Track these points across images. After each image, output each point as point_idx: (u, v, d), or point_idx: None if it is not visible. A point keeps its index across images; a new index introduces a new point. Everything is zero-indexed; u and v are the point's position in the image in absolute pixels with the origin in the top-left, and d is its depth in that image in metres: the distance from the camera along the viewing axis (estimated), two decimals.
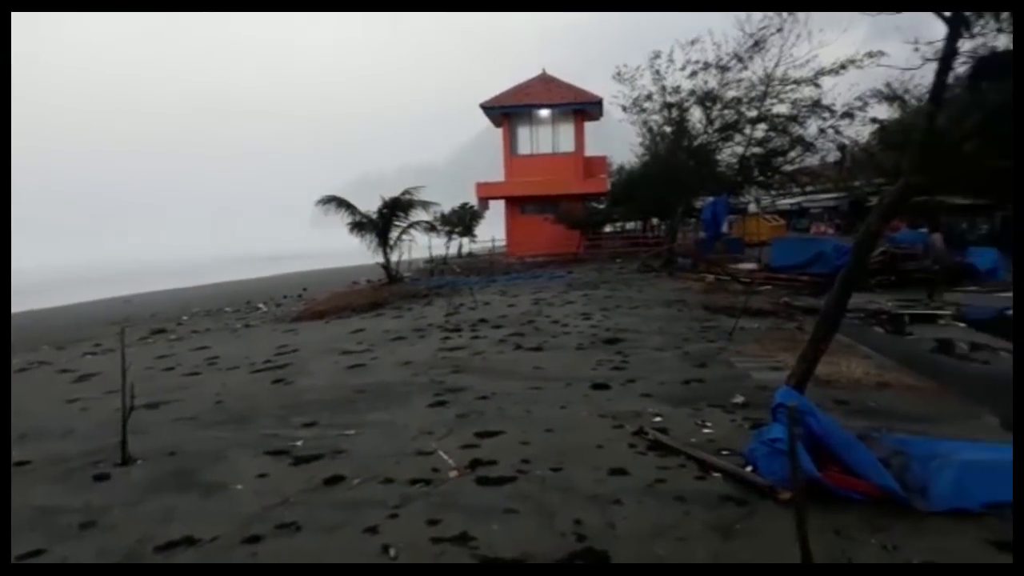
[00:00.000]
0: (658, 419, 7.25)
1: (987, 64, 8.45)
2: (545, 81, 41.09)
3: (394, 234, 26.88)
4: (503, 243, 43.08)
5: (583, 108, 39.66)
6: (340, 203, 26.71)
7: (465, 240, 47.93)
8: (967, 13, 6.16)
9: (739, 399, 7.84)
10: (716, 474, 5.56)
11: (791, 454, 3.60)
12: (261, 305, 25.42)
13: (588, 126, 40.99)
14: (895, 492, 4.79)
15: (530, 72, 41.68)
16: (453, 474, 5.88)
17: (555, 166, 39.49)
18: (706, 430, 6.82)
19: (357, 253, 28.86)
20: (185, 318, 22.64)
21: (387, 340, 13.49)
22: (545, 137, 40.79)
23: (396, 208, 26.75)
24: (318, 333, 15.53)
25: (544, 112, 40.21)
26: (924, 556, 4.15)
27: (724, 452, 6.09)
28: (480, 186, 40.96)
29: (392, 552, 4.52)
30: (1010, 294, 16.54)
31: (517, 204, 40.20)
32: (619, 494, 5.25)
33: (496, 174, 40.91)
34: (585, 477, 5.64)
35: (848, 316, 12.47)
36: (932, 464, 5.03)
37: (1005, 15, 6.76)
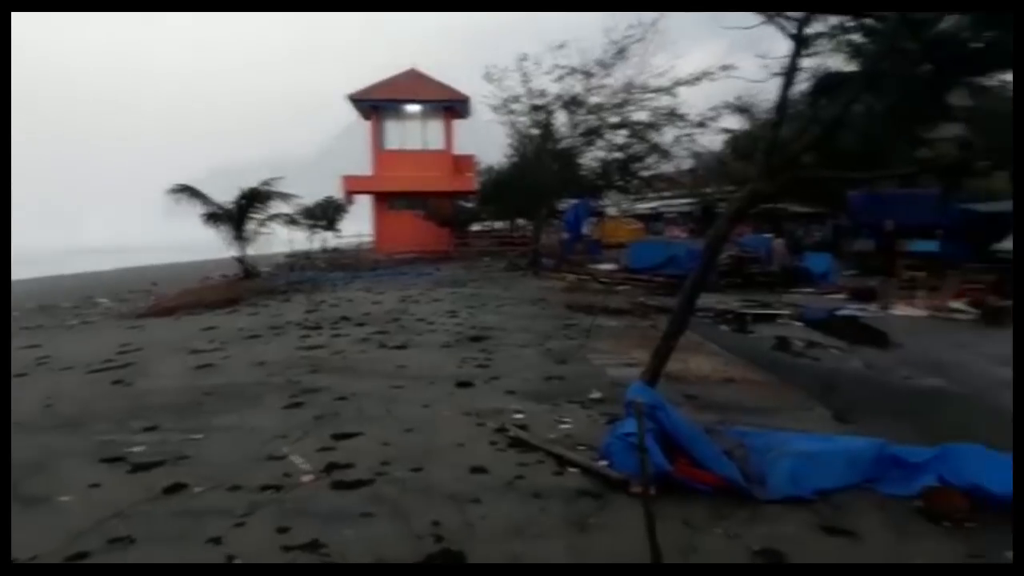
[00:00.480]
0: (520, 416, 7.31)
1: (824, 82, 9.13)
2: (415, 77, 40.69)
3: (251, 227, 25.70)
4: (370, 238, 42.28)
5: (452, 106, 39.64)
6: (193, 193, 25.22)
7: (329, 235, 46.64)
8: (808, 32, 6.61)
9: (596, 395, 8.05)
10: (573, 469, 5.66)
11: (640, 448, 3.70)
12: (103, 300, 23.54)
13: (457, 124, 41.02)
14: (737, 482, 5.06)
15: (399, 69, 41.07)
16: (307, 479, 5.64)
17: (424, 162, 39.21)
18: (565, 426, 6.95)
19: (212, 246, 27.36)
20: (16, 314, 20.58)
21: (241, 338, 12.84)
22: (414, 133, 40.41)
23: (253, 199, 25.62)
24: (166, 331, 14.55)
25: (413, 108, 39.84)
26: (762, 542, 4.40)
27: (581, 447, 6.21)
28: (346, 179, 39.96)
29: (237, 563, 4.26)
30: (842, 296, 18.08)
31: (385, 199, 39.58)
32: (479, 493, 5.22)
33: (365, 168, 40.08)
34: (445, 477, 5.58)
35: (698, 315, 13.15)
36: (769, 455, 5.36)
37: (844, 38, 7.34)
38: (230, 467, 5.92)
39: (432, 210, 37.48)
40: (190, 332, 13.93)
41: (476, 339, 12.01)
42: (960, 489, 4.86)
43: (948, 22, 6.58)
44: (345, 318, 14.92)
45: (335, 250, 44.78)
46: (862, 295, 17.70)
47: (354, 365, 10.15)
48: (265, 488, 5.43)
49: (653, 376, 5.98)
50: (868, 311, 15.78)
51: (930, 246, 23.08)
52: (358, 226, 45.55)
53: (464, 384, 8.79)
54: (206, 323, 15.25)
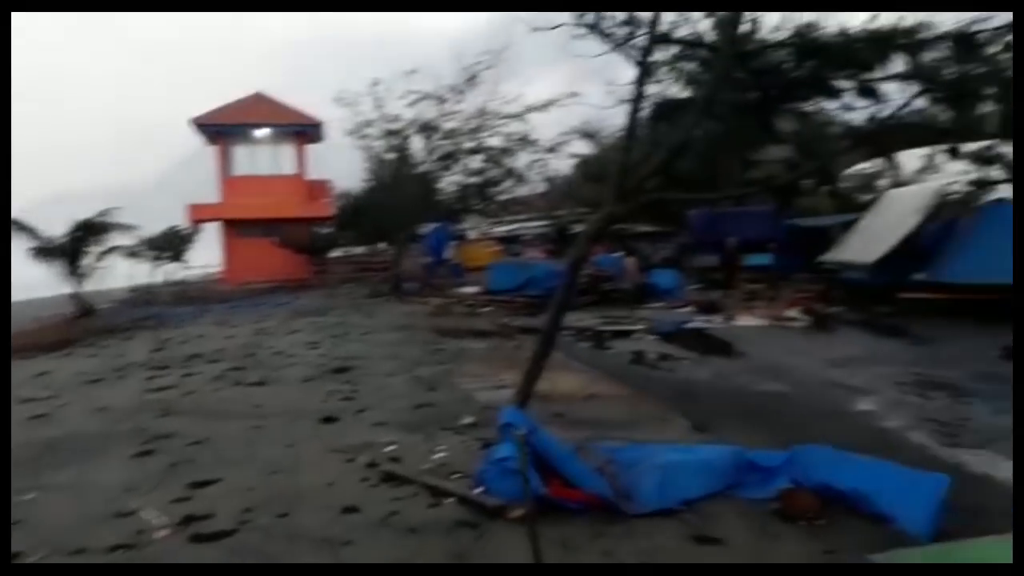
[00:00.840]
0: (391, 448, 7.15)
1: (664, 108, 9.68)
2: (262, 101, 39.32)
3: (87, 261, 23.76)
4: (221, 269, 40.19)
5: (304, 130, 38.63)
6: (19, 227, 23.00)
7: (176, 267, 43.89)
8: (651, 60, 7.00)
9: (468, 420, 8.03)
10: (449, 499, 5.59)
11: (523, 474, 3.71)
12: None
13: (311, 149, 40.00)
14: (609, 499, 5.19)
15: (246, 92, 39.54)
16: (161, 534, 5.22)
17: (276, 188, 37.86)
18: (438, 454, 6.87)
19: (43, 284, 25.01)
20: None
21: (79, 383, 11.78)
22: (264, 158, 38.98)
23: (89, 232, 23.71)
24: None
25: (262, 132, 38.44)
26: (636, 556, 4.53)
27: (456, 475, 6.16)
28: (192, 207, 37.85)
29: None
30: (689, 309, 19.11)
31: (235, 227, 37.80)
32: (351, 534, 5.04)
33: (213, 195, 38.12)
34: (315, 520, 5.34)
35: (560, 334, 13.47)
36: (637, 468, 5.55)
37: (690, 66, 7.82)
38: (72, 529, 5.38)
39: (287, 237, 36.21)
40: (19, 379, 12.60)
41: (340, 370, 11.68)
42: (810, 489, 5.23)
43: (773, 54, 7.20)
44: (196, 355, 14.06)
45: (182, 283, 42.15)
46: (707, 308, 18.78)
47: (208, 406, 9.57)
48: (114, 548, 4.98)
49: (523, 399, 6.05)
50: (713, 323, 16.77)
51: (764, 260, 24.92)
52: (208, 256, 43.21)
53: (330, 419, 8.50)
54: (38, 368, 13.87)
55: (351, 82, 37.99)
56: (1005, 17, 5.84)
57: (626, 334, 15.37)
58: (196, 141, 39.57)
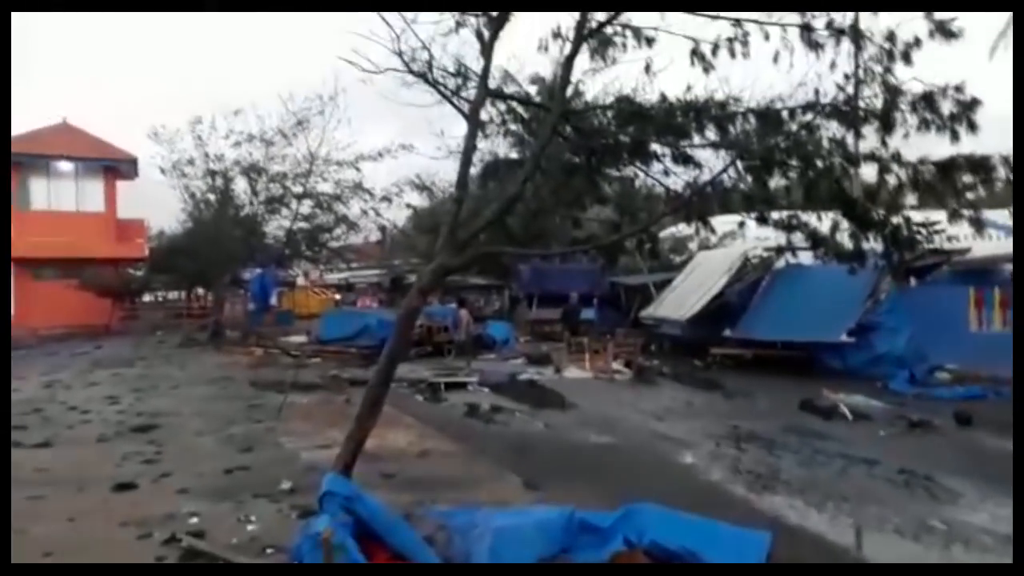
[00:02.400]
0: (195, 520, 6.38)
1: (492, 167, 9.78)
2: (66, 131, 35.86)
3: None
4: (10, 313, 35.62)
5: (114, 165, 35.61)
6: None
7: None
8: (480, 116, 6.98)
9: (286, 485, 7.37)
10: None
11: (327, 555, 3.31)
12: None
13: (122, 186, 36.87)
14: None
15: (49, 121, 35.95)
16: None
17: (80, 226, 34.39)
18: (251, 526, 6.21)
19: None
20: None
21: None
22: (67, 193, 35.38)
23: None
24: None
25: (66, 165, 34.98)
26: None
27: (269, 550, 5.57)
28: None
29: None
30: (520, 360, 19.28)
31: (29, 267, 33.79)
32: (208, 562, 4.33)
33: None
34: None
35: (392, 386, 13.02)
36: (472, 534, 5.26)
37: (509, 127, 7.89)
38: None
39: (90, 279, 32.86)
40: None
41: (142, 429, 10.49)
42: (643, 550, 5.18)
43: (598, 117, 7.45)
44: None
45: None
46: (538, 360, 19.08)
47: None
48: None
49: (348, 463, 5.60)
50: (544, 374, 17.02)
51: (589, 314, 25.90)
52: None
53: (125, 486, 7.51)
54: None
55: (169, 118, 35.75)
56: (803, 97, 6.38)
57: (460, 386, 15.17)
58: None
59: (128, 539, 5.96)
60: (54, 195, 35.06)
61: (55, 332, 30.45)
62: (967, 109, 6.20)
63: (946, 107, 6.20)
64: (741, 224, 6.78)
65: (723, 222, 8.83)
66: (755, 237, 22.33)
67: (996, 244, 26.59)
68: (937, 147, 6.39)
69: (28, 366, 19.51)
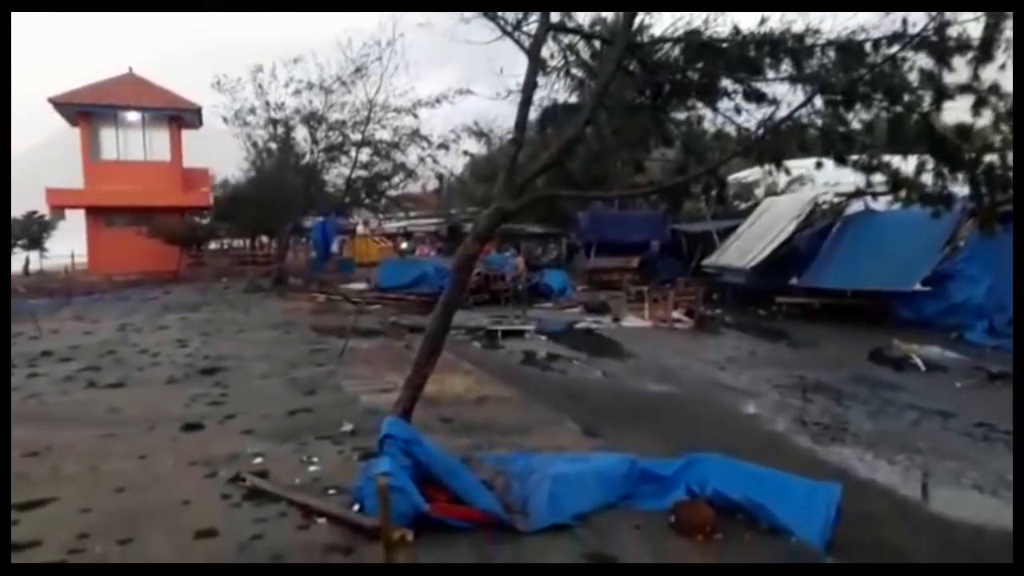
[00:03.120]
0: (259, 460, 6.49)
1: (551, 113, 9.47)
2: (134, 82, 36.54)
3: None
4: (84, 259, 37.07)
5: (179, 115, 36.20)
6: None
7: (34, 255, 40.15)
8: (544, 56, 6.69)
9: (348, 427, 7.45)
10: (321, 520, 5.05)
11: (383, 502, 3.26)
12: None
13: (187, 135, 37.54)
14: (499, 515, 4.81)
15: (116, 71, 36.62)
16: None
17: (148, 175, 35.26)
18: (313, 467, 6.28)
19: None
20: None
21: None
22: (135, 143, 36.21)
23: None
24: None
25: (133, 115, 35.72)
26: None
27: (331, 491, 5.61)
28: (52, 193, 34.63)
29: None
30: (578, 309, 19.11)
31: (101, 215, 34.93)
32: (204, 563, 4.42)
33: (77, 180, 35.05)
34: (162, 547, 4.67)
35: (451, 333, 13.05)
36: (530, 480, 5.20)
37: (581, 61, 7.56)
38: None
39: (159, 227, 33.82)
40: None
41: (209, 371, 10.76)
42: (706, 500, 5.05)
43: (668, 52, 7.05)
44: (46, 353, 12.64)
45: (40, 272, 38.59)
46: (596, 308, 18.88)
47: (52, 411, 8.50)
48: None
49: (408, 407, 5.58)
50: (602, 323, 16.83)
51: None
52: (72, 245, 39.77)
53: (192, 427, 7.70)
54: None
55: (231, 67, 36.02)
56: (890, 27, 5.87)
57: (517, 334, 15.13)
58: (60, 123, 36.39)
59: (196, 477, 6.11)
60: (122, 145, 35.95)
61: (127, 278, 31.59)
62: None
63: None
64: (818, 165, 6.36)
65: (796, 166, 8.35)
66: (824, 183, 21.51)
67: None
68: None
69: (102, 310, 20.30)
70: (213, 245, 40.90)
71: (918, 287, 14.88)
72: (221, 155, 35.98)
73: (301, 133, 26.67)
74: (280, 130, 26.54)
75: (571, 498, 5.06)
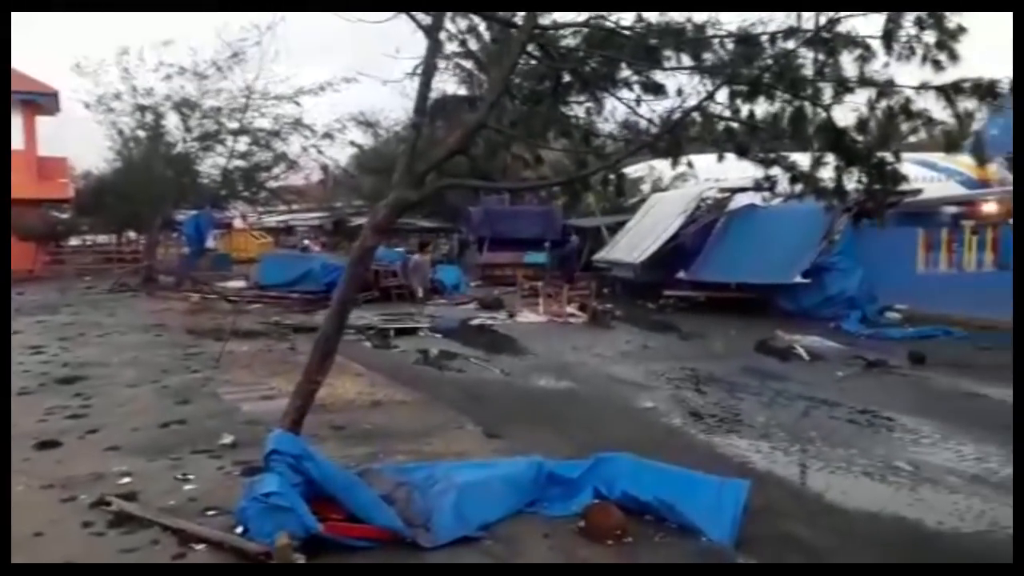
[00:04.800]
0: (126, 480, 5.82)
1: (441, 104, 9.11)
2: None
3: None
4: None
5: (33, 99, 33.20)
6: None
7: None
8: (442, 39, 6.34)
9: (227, 439, 6.83)
10: (200, 546, 4.52)
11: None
12: None
13: (42, 121, 34.50)
14: (399, 531, 4.45)
15: None
16: None
17: None
18: (189, 486, 5.69)
19: None
20: None
21: None
22: None
23: None
24: None
25: None
26: None
27: (210, 512, 5.07)
28: None
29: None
30: (472, 305, 18.85)
31: None
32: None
33: None
34: None
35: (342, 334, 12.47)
36: (433, 491, 4.87)
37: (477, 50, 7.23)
38: None
39: (12, 221, 30.91)
40: None
41: (68, 380, 9.73)
42: (615, 502, 4.88)
43: (569, 39, 6.86)
44: None
45: None
46: (490, 304, 18.69)
47: None
48: None
49: (296, 419, 5.10)
50: (497, 319, 16.65)
51: (541, 257, 25.58)
52: None
53: (48, 444, 6.84)
54: None
55: (94, 49, 33.41)
56: (784, 21, 5.91)
57: (410, 332, 14.69)
58: None
59: (51, 502, 5.39)
60: None
61: None
62: (952, 37, 5.84)
63: (929, 37, 5.84)
64: (720, 158, 6.35)
65: (695, 159, 8.39)
66: (705, 179, 22.23)
67: (942, 186, 27.15)
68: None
69: None
70: (75, 241, 37.93)
71: (798, 279, 15.58)
72: (82, 144, 33.31)
73: (172, 121, 25.11)
74: (149, 117, 24.88)
75: (476, 508, 4.77)
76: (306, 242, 40.20)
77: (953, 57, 5.78)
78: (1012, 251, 15.99)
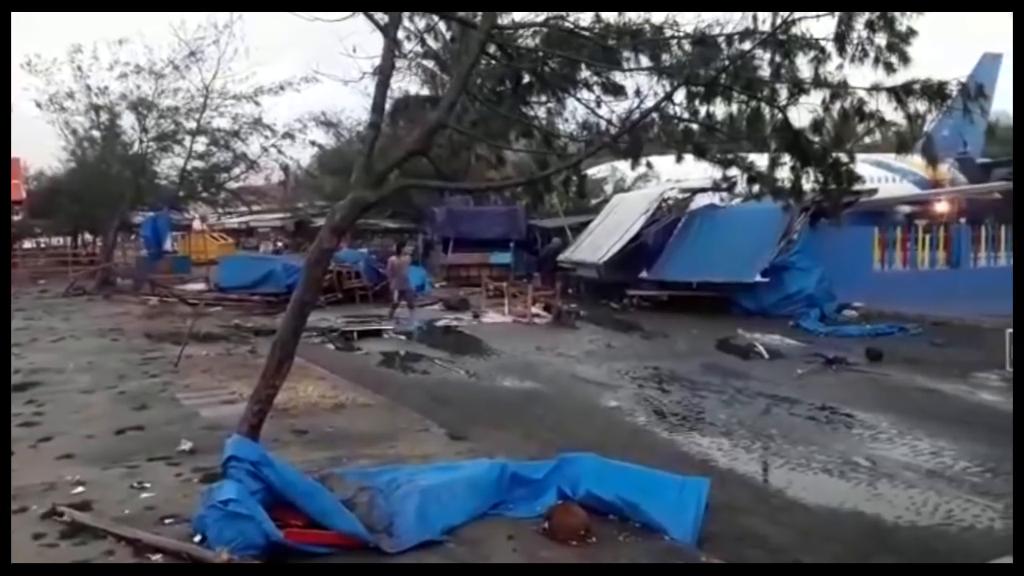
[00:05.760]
0: (80, 489, 5.67)
1: (403, 104, 9.06)
2: None
3: None
4: None
5: None
6: None
7: None
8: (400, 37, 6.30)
9: (186, 446, 6.69)
10: (156, 556, 4.41)
11: None
12: None
13: None
14: (362, 537, 4.40)
15: None
16: None
17: None
18: (145, 494, 5.56)
19: None
20: None
21: None
22: None
23: None
24: None
25: None
26: None
27: (168, 521, 4.96)
28: None
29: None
30: (437, 306, 18.74)
31: None
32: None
33: None
34: None
35: (302, 336, 12.30)
36: (396, 495, 4.82)
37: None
38: None
39: None
40: None
41: (20, 387, 9.43)
42: (578, 503, 4.89)
43: (528, 39, 6.86)
44: None
45: None
46: (455, 305, 18.62)
47: None
48: None
49: (255, 424, 5.01)
50: (462, 320, 16.60)
51: (505, 258, 25.55)
52: None
53: None
54: None
55: (45, 47, 32.47)
56: (741, 23, 5.98)
57: (374, 334, 14.56)
58: None
59: None
60: None
61: None
62: (903, 40, 5.97)
63: (880, 39, 5.97)
64: (679, 159, 6.40)
65: (657, 161, 8.44)
66: (667, 179, 22.44)
67: (896, 187, 27.79)
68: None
69: None
70: (27, 244, 36.93)
71: (758, 278, 15.80)
72: (34, 144, 32.40)
73: (128, 120, 24.59)
74: (104, 117, 24.35)
75: (440, 511, 4.74)
76: (279, 244, 39.67)
77: (904, 59, 5.91)
78: (960, 250, 16.47)
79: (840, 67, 5.99)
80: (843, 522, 5.44)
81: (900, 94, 5.42)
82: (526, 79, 7.19)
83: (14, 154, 34.18)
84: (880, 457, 6.90)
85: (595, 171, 29.39)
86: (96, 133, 25.25)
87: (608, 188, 29.96)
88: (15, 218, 33.74)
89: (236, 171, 26.37)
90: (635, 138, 6.73)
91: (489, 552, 4.48)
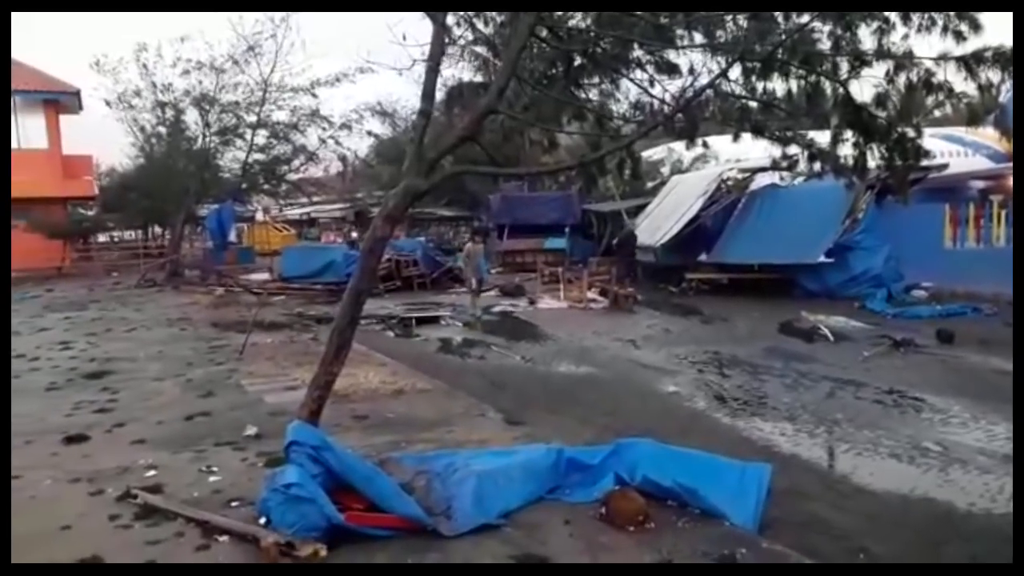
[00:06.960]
0: (152, 473, 5.88)
1: (457, 91, 9.06)
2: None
3: None
4: None
5: (56, 98, 33.57)
6: None
7: None
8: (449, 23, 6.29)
9: (251, 431, 6.88)
10: (223, 537, 4.56)
11: None
12: None
13: (65, 120, 34.89)
14: (420, 520, 4.45)
15: None
16: None
17: (24, 164, 32.46)
18: (213, 478, 5.73)
19: None
20: None
21: None
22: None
23: None
24: None
25: None
26: None
27: (234, 503, 5.11)
28: None
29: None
30: (494, 293, 18.81)
31: None
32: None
33: None
34: None
35: (362, 323, 12.50)
36: (453, 479, 4.86)
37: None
38: None
39: (38, 220, 31.35)
40: None
41: (96, 375, 9.86)
42: (636, 488, 4.84)
43: (580, 20, 6.75)
44: None
45: None
46: (511, 291, 18.66)
47: None
48: None
49: (314, 410, 5.12)
50: (518, 306, 16.63)
51: (560, 243, 25.45)
52: None
53: (76, 438, 6.93)
54: None
55: (112, 46, 33.53)
56: None
57: (433, 321, 14.72)
58: None
59: (79, 496, 5.46)
60: None
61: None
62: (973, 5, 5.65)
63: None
64: (736, 137, 6.23)
65: (715, 140, 8.23)
66: (726, 160, 21.95)
67: (968, 161, 26.56)
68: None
69: None
70: (102, 238, 38.48)
71: (822, 259, 15.36)
72: (106, 141, 33.65)
73: (192, 116, 25.26)
74: (169, 113, 25.05)
75: (497, 495, 4.75)
76: (353, 235, 40.28)
77: (975, 27, 5.60)
78: None
79: (905, 37, 5.71)
80: (913, 509, 5.26)
81: (970, 63, 5.13)
82: (577, 61, 7.09)
83: (86, 151, 35.81)
84: (952, 442, 6.64)
85: (651, 153, 28.97)
86: (162, 129, 26.01)
87: (665, 170, 29.48)
88: (89, 213, 35.27)
89: (296, 163, 26.93)
90: (690, 117, 6.58)
91: (546, 536, 4.48)
